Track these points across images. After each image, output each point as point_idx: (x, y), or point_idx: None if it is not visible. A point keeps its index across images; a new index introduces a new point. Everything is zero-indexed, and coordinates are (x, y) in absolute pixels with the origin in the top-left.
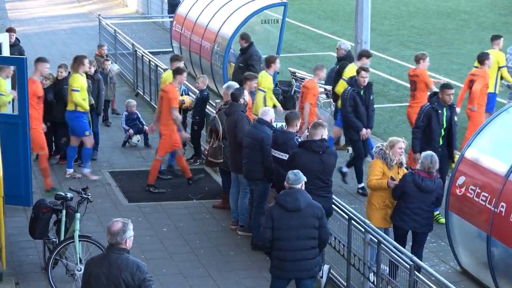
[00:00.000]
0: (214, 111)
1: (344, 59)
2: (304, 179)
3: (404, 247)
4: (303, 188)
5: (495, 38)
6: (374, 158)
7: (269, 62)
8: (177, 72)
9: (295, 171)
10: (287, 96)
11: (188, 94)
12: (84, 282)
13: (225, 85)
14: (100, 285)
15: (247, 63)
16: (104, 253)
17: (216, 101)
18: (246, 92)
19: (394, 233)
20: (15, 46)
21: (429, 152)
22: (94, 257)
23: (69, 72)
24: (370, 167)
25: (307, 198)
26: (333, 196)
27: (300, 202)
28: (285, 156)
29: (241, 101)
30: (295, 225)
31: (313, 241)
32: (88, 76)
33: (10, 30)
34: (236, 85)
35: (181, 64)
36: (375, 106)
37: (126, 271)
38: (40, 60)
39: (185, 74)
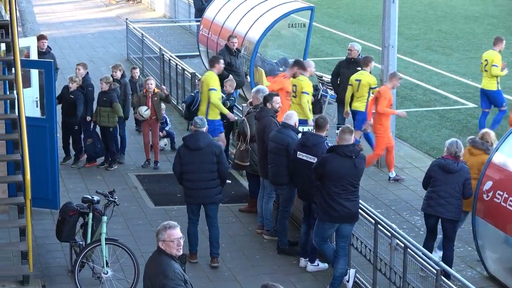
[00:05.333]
0: (241, 115)
1: (358, 61)
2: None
3: (434, 238)
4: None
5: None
6: None
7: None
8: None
9: (201, 117)
10: (314, 100)
11: None
12: None
13: (255, 89)
14: (144, 276)
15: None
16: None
17: (243, 105)
18: (277, 98)
19: (425, 224)
20: (47, 53)
21: (453, 139)
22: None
23: (87, 72)
24: None
25: (207, 139)
26: (360, 200)
27: (200, 143)
28: (313, 159)
29: (276, 106)
30: (197, 161)
31: (213, 174)
32: (114, 80)
33: (42, 38)
34: (266, 89)
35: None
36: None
37: (154, 271)
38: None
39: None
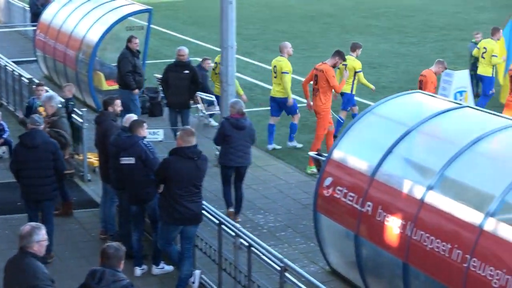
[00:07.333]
0: (81, 119)
1: (187, 64)
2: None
3: (229, 184)
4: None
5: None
6: None
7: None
8: None
9: (38, 115)
10: (154, 102)
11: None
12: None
13: (45, 96)
14: (6, 282)
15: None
16: (17, 253)
17: (83, 109)
18: (118, 102)
19: (221, 174)
20: None
21: (235, 99)
22: (12, 256)
23: None
24: None
25: (43, 137)
26: (203, 201)
27: (37, 141)
28: (132, 160)
29: (117, 109)
30: (33, 158)
31: (49, 171)
32: None
33: None
34: (57, 96)
35: None
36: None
37: (22, 273)
38: None
39: None
